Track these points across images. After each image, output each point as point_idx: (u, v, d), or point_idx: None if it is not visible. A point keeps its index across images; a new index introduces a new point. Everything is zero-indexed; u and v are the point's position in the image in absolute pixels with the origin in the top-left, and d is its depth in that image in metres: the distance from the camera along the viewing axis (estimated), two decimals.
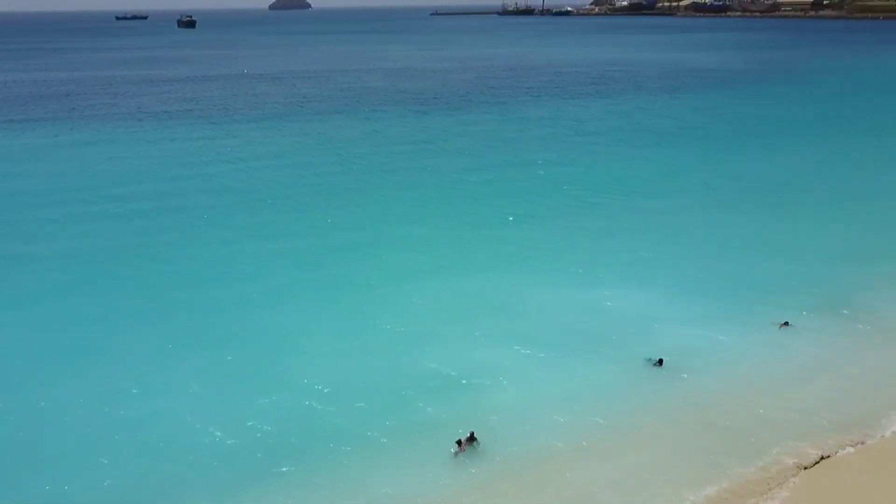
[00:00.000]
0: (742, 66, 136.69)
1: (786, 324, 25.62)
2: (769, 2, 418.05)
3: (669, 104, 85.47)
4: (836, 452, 18.69)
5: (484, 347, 24.87)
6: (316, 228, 38.66)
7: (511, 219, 40.17)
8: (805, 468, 18.08)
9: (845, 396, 21.45)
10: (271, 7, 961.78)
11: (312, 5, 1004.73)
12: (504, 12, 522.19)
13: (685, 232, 37.35)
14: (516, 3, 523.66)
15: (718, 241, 35.76)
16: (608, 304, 28.27)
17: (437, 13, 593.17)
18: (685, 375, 22.57)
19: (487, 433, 19.86)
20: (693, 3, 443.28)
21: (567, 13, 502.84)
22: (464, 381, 22.67)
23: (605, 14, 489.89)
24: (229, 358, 24.24)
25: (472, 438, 19.66)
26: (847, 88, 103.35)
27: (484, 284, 30.51)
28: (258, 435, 20.00)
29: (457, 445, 19.42)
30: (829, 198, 44.03)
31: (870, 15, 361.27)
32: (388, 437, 19.99)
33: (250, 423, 20.46)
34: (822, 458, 18.50)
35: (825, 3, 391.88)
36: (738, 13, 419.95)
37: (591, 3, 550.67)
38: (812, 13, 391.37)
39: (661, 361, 23.00)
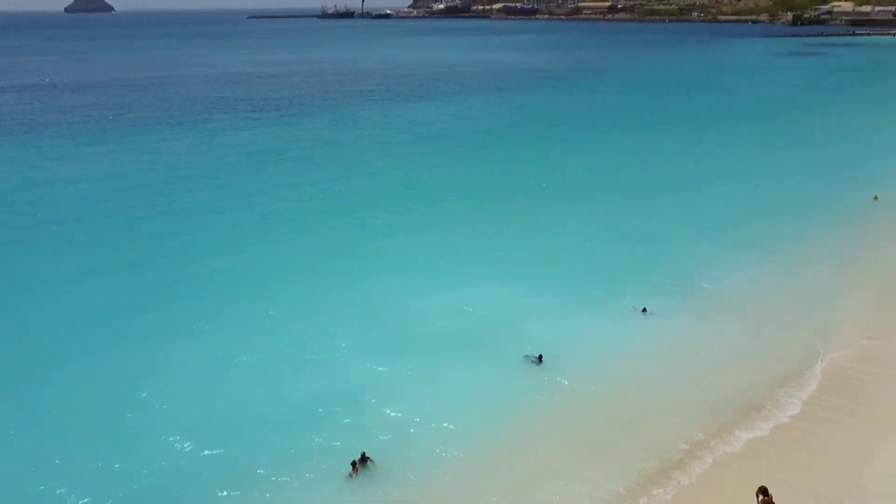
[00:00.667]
0: (556, 64, 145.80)
1: (644, 310, 27.28)
2: (572, 5, 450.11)
3: (497, 103, 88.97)
4: (726, 433, 19.80)
5: (360, 362, 23.96)
6: (152, 253, 34.88)
7: (364, 227, 39.26)
8: (698, 454, 18.83)
9: (715, 375, 22.93)
10: (67, 9, 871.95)
11: (116, 8, 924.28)
12: (324, 15, 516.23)
13: (538, 227, 38.60)
14: (335, 6, 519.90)
15: (569, 233, 37.33)
16: (476, 304, 28.42)
17: (254, 16, 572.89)
18: (564, 370, 22.98)
19: (379, 451, 19.10)
20: (504, 6, 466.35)
21: (387, 16, 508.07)
22: (346, 401, 21.63)
23: (424, 17, 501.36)
24: (76, 407, 21.38)
25: (364, 459, 18.83)
26: (651, 81, 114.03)
27: (348, 296, 29.40)
28: (121, 494, 17.63)
29: (350, 468, 18.55)
30: (659, 183, 47.85)
31: (657, 17, 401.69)
32: (276, 472, 18.47)
33: (106, 483, 18.03)
34: (714, 439, 19.46)
35: (619, 7, 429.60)
36: (546, 16, 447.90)
37: (410, 6, 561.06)
38: (609, 16, 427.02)
39: (540, 358, 23.42)
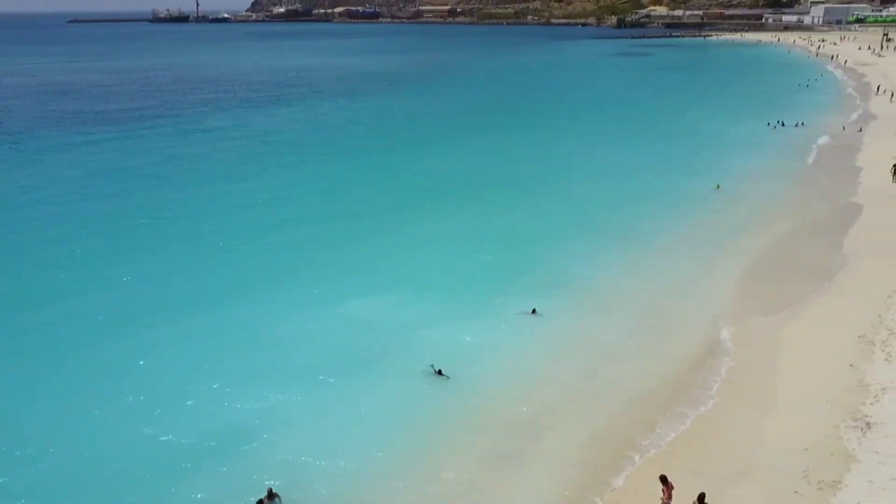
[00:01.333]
0: (405, 67, 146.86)
1: (534, 311, 27.62)
2: (413, 9, 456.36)
3: (352, 108, 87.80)
4: (636, 425, 20.30)
5: (250, 391, 22.24)
6: None
7: (229, 246, 36.48)
8: (618, 451, 19.10)
9: (611, 369, 23.57)
10: None
11: None
12: (155, 19, 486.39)
13: (413, 234, 38.04)
14: (168, 10, 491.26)
15: (446, 238, 37.12)
16: (362, 319, 27.40)
17: (76, 20, 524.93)
18: (465, 381, 22.64)
19: (287, 485, 17.80)
20: (347, 10, 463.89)
21: (225, 20, 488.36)
22: (245, 433, 19.99)
23: (264, 21, 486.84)
24: None
25: (271, 496, 17.45)
26: (500, 81, 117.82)
27: (225, 322, 27.31)
28: None
29: None
30: (521, 183, 49.05)
31: (494, 21, 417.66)
32: None
33: None
34: (624, 433, 19.93)
35: (458, 10, 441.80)
36: (388, 19, 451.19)
37: (248, 10, 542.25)
38: (450, 19, 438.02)
39: (440, 371, 22.91)
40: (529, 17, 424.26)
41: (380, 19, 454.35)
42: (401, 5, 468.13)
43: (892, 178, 47.51)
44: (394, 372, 23.46)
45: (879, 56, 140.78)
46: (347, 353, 24.75)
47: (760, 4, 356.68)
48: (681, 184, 48.01)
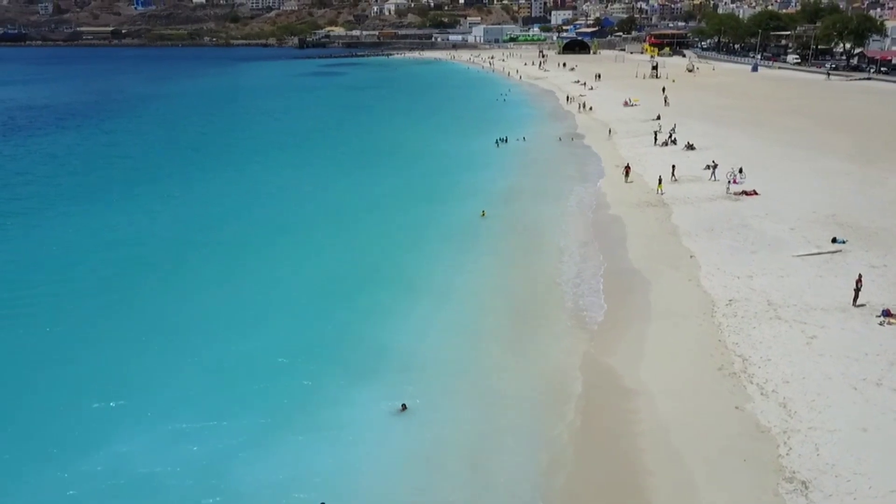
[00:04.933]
0: (79, 97, 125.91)
1: (404, 407, 21.67)
2: (69, 30, 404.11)
3: (17, 155, 70.38)
4: None
5: None
6: None
7: None
8: None
9: (492, 481, 18.91)
10: None
11: None
12: None
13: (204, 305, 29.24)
14: None
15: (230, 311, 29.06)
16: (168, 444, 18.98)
17: None
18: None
19: None
20: None
21: None
22: None
23: None
24: None
25: None
26: (194, 109, 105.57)
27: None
28: None
29: None
30: (264, 234, 41.95)
31: (168, 42, 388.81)
32: None
33: None
34: None
35: (124, 32, 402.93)
36: (39, 42, 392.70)
37: None
38: (116, 42, 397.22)
39: None
40: (206, 39, 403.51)
41: (27, 42, 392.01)
42: (52, 26, 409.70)
43: (624, 179, 50.79)
44: None
45: (546, 71, 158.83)
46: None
47: (427, 25, 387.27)
48: (445, 213, 45.17)
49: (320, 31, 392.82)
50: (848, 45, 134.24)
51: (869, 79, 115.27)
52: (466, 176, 55.95)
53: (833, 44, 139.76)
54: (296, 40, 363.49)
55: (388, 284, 32.79)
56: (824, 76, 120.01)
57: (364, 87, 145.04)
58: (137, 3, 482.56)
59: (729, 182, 44.74)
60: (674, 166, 49.17)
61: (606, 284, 31.72)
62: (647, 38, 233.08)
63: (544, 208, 45.31)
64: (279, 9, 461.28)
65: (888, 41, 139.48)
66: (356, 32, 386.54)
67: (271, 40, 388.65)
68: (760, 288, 28.96)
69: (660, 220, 40.12)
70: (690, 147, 57.98)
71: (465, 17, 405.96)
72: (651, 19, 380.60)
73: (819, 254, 32.28)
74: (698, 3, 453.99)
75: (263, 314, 29.55)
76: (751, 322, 26.03)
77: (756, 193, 43.06)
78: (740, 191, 43.62)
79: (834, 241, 33.63)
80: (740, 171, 46.29)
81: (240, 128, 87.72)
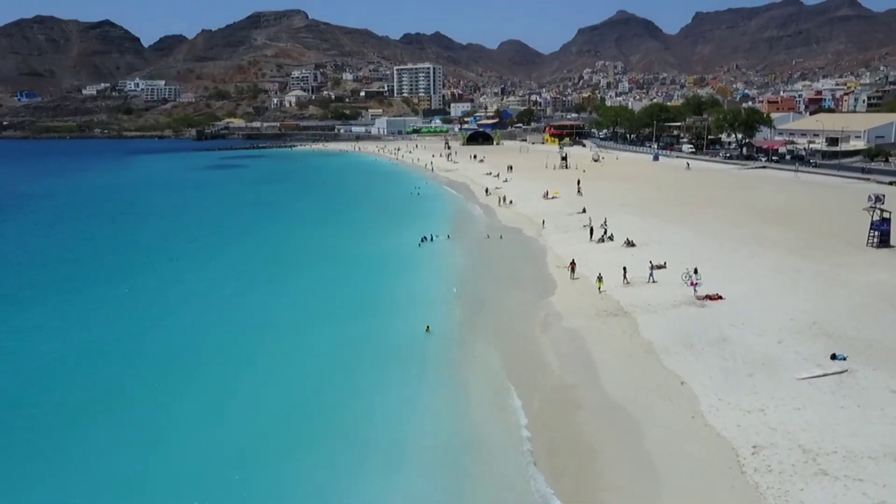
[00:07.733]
0: None
1: None
2: None
3: None
4: None
5: None
6: None
7: None
8: None
9: None
10: None
11: None
12: None
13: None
14: None
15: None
16: None
17: None
18: None
19: None
20: None
21: None
22: None
23: None
24: None
25: None
26: (89, 210, 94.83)
27: None
28: None
29: None
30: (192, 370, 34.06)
31: (55, 135, 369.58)
32: None
33: None
34: None
35: (6, 124, 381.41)
36: None
37: None
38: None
39: None
40: (97, 131, 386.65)
41: None
42: None
43: (570, 275, 46.82)
44: None
45: (455, 163, 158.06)
46: None
47: (329, 117, 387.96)
48: (386, 328, 39.08)
49: (219, 123, 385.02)
50: (739, 136, 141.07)
51: (764, 167, 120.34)
52: (397, 282, 50.10)
53: (726, 133, 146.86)
54: (193, 132, 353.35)
55: (319, 441, 25.81)
56: (722, 164, 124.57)
57: (269, 180, 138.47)
58: (21, 95, 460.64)
59: (690, 285, 41.03)
60: (625, 268, 45.28)
61: (586, 430, 26.06)
62: (547, 128, 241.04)
63: (488, 318, 39.99)
64: (175, 100, 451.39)
65: (773, 132, 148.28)
66: (257, 124, 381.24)
67: (167, 132, 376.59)
68: (782, 427, 24.13)
69: (628, 334, 35.38)
70: (630, 244, 54.81)
71: (366, 109, 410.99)
72: (546, 111, 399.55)
73: (825, 375, 28.16)
74: (587, 96, 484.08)
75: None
76: (793, 480, 20.91)
77: (721, 297, 39.44)
78: (703, 295, 39.90)
79: (834, 357, 29.75)
80: (695, 271, 42.81)
81: (125, 231, 78.07)
